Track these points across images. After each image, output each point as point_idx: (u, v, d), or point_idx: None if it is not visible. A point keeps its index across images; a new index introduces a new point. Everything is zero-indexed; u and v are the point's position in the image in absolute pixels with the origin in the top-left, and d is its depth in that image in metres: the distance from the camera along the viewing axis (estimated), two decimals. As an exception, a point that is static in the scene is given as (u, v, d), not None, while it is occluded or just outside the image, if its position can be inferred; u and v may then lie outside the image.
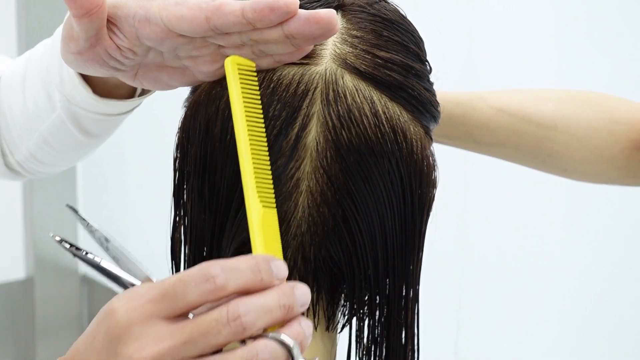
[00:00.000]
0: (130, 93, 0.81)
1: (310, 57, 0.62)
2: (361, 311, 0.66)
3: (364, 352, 0.66)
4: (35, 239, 2.23)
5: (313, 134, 0.62)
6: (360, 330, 0.66)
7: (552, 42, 1.60)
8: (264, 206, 0.59)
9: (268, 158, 0.61)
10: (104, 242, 0.60)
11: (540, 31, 1.61)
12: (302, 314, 0.56)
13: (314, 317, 0.65)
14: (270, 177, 0.60)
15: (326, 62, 0.62)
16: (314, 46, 0.63)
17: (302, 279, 0.64)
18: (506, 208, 1.70)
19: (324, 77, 0.62)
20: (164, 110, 2.22)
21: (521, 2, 1.62)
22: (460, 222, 1.68)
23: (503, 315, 1.73)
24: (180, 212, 0.67)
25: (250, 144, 0.60)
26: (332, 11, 0.58)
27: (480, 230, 1.70)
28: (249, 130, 0.60)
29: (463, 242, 1.71)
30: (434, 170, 0.66)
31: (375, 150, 0.62)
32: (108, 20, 0.60)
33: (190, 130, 0.65)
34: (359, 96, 0.62)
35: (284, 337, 0.53)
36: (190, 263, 0.66)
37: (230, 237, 0.63)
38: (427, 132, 0.66)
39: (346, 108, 0.62)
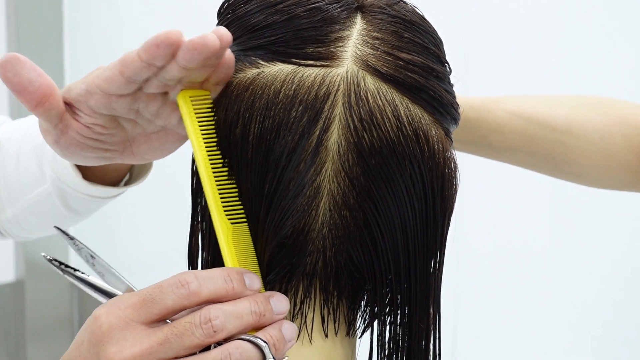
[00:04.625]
0: (120, 178, 0.87)
1: (331, 59, 0.62)
2: (382, 315, 0.65)
3: (386, 357, 0.66)
4: (26, 241, 2.22)
5: (335, 136, 0.61)
6: (382, 335, 0.66)
7: (551, 42, 1.60)
8: (232, 223, 0.62)
9: (233, 180, 0.63)
10: (90, 259, 0.65)
11: (538, 30, 1.61)
12: (286, 319, 0.61)
13: (335, 322, 0.65)
14: (236, 195, 0.63)
15: (347, 64, 0.62)
16: (335, 48, 0.62)
17: (323, 284, 0.64)
18: (502, 207, 1.70)
19: (345, 79, 0.61)
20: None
21: (519, 1, 1.62)
22: (456, 220, 1.68)
23: (500, 315, 1.73)
24: (197, 218, 0.66)
25: (213, 169, 0.62)
26: (207, 34, 0.60)
27: (476, 230, 1.70)
28: (209, 156, 0.63)
29: (459, 241, 1.70)
30: (455, 173, 0.65)
31: (398, 153, 0.62)
32: (68, 104, 0.65)
33: None
34: (380, 99, 0.62)
35: (255, 338, 0.58)
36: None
37: (262, 243, 0.63)
38: (448, 134, 0.66)
39: (368, 111, 0.61)
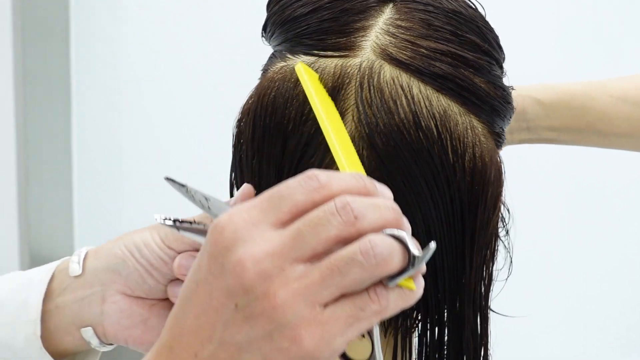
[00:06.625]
0: None
1: (350, 49, 0.61)
2: (416, 315, 0.63)
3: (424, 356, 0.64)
4: (30, 238, 2.21)
5: (348, 129, 0.60)
6: (423, 334, 0.64)
7: (551, 39, 1.60)
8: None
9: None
10: (205, 202, 0.57)
11: (539, 27, 1.61)
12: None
13: None
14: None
15: (364, 54, 0.61)
16: (356, 37, 0.61)
17: None
18: (510, 206, 1.69)
19: (360, 70, 0.60)
20: (159, 110, 2.22)
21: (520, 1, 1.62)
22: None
23: (499, 316, 1.72)
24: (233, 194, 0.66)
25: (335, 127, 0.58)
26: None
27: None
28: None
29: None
30: (489, 165, 0.62)
31: (414, 146, 0.59)
32: None
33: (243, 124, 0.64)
34: (396, 88, 0.60)
35: (401, 233, 0.48)
36: None
37: None
38: (490, 126, 0.63)
39: (381, 101, 0.60)
